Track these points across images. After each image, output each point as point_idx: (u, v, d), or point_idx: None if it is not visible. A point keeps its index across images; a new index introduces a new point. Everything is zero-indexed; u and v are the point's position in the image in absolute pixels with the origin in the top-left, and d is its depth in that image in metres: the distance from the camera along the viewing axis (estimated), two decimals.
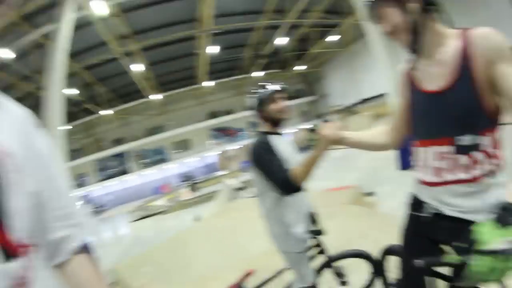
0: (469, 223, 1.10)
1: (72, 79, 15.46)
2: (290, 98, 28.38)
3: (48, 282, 0.66)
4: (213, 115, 27.60)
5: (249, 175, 2.36)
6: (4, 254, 0.54)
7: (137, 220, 14.36)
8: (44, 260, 0.68)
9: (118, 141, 26.06)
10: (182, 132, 25.64)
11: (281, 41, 18.47)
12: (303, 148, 19.98)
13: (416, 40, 1.14)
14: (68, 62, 9.27)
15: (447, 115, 1.14)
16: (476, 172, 1.13)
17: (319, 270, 2.20)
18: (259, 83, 2.02)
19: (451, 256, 1.14)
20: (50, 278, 0.69)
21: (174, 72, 21.71)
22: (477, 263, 0.96)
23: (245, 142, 24.44)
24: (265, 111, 1.97)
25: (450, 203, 1.20)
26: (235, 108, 26.71)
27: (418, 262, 1.12)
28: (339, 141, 1.51)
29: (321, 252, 2.20)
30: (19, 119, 0.69)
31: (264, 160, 1.78)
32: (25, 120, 0.70)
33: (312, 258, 2.12)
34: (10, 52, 10.11)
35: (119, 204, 24.63)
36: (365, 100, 21.02)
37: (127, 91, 22.26)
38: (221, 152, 27.56)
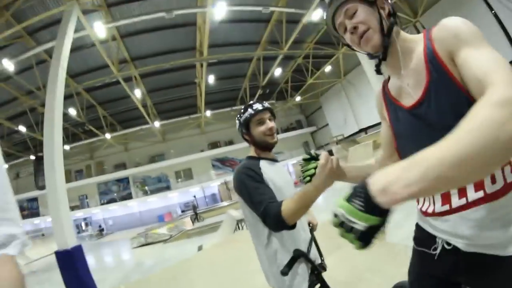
0: (496, 258, 0.87)
1: (73, 99, 15.86)
2: (289, 129, 29.07)
3: None
4: (214, 145, 27.72)
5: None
6: None
7: (138, 246, 14.06)
8: None
9: (120, 166, 26.22)
10: (184, 161, 25.78)
11: (277, 72, 18.94)
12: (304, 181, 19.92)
13: (388, 44, 1.03)
14: (70, 82, 9.48)
15: (433, 127, 0.94)
16: (496, 185, 0.87)
17: None
18: (245, 104, 1.83)
19: None
20: None
21: (174, 100, 22.04)
22: None
23: None
24: (250, 134, 1.78)
25: (466, 235, 0.93)
26: (235, 138, 26.87)
27: None
28: (339, 177, 1.26)
29: None
30: None
31: (247, 188, 1.51)
32: None
33: None
34: (11, 64, 10.55)
35: (121, 229, 24.46)
36: (364, 129, 21.17)
37: (129, 117, 22.53)
38: (222, 183, 27.41)
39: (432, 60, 0.93)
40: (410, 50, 1.02)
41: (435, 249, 1.05)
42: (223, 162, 27.76)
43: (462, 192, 0.92)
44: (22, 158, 22.99)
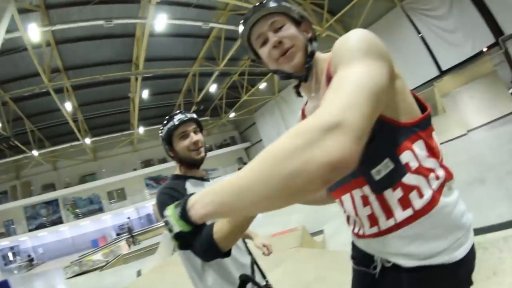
0: (437, 268, 0.85)
1: None
2: (223, 145, 29.08)
3: None
4: (147, 163, 26.82)
5: None
6: None
7: (73, 276, 13.04)
8: None
9: (49, 187, 23.94)
10: (116, 181, 24.61)
11: (213, 88, 19.04)
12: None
13: (310, 64, 0.98)
14: None
15: None
16: (418, 202, 0.84)
17: None
18: (168, 116, 1.63)
19: None
20: None
21: (106, 115, 21.05)
22: None
23: None
24: (173, 150, 1.59)
25: (404, 252, 0.89)
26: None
27: None
28: None
29: None
30: None
31: None
32: None
33: None
34: None
35: (52, 258, 22.31)
36: None
37: (59, 132, 20.73)
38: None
39: (329, 81, 0.83)
40: (321, 72, 0.99)
41: (375, 267, 1.00)
42: (157, 181, 26.87)
43: (389, 213, 0.88)
44: None
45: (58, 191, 23.61)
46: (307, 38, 1.01)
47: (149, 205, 26.50)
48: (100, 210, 25.19)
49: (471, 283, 0.90)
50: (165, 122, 1.58)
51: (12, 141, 17.45)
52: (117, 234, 23.80)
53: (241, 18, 1.02)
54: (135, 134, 23.15)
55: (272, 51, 0.97)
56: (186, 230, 0.75)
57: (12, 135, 16.78)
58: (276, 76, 1.10)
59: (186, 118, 1.55)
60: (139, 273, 8.50)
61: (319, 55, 1.02)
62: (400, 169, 0.84)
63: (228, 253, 1.09)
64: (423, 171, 0.85)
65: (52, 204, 23.88)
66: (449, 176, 0.89)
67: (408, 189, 0.85)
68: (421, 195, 0.84)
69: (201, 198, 0.70)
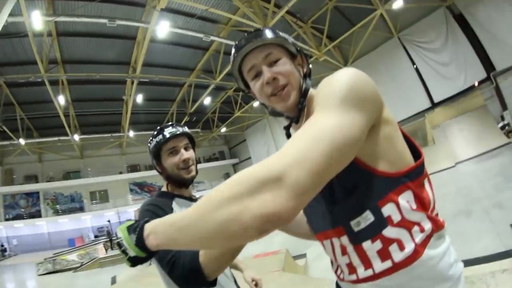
0: None
1: None
2: (212, 159, 28.97)
3: None
4: (134, 168, 26.66)
5: None
6: None
7: (45, 274, 12.63)
8: None
9: (31, 178, 23.39)
10: (100, 182, 24.32)
11: (207, 101, 19.32)
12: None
13: (303, 105, 0.92)
14: None
15: (322, 197, 0.87)
16: (399, 254, 0.78)
17: None
18: (159, 126, 1.50)
19: None
20: None
21: (98, 115, 21.01)
22: None
23: None
24: (161, 165, 1.48)
25: None
26: None
27: None
28: None
29: None
30: None
31: None
32: None
33: None
34: None
35: (26, 251, 21.54)
36: None
37: (48, 124, 20.51)
38: (139, 209, 25.92)
39: None
40: (312, 111, 0.84)
41: None
42: (141, 187, 26.64)
43: (367, 264, 0.83)
44: None
45: (40, 184, 23.15)
46: (302, 74, 0.96)
47: (131, 210, 26.01)
48: (81, 209, 24.67)
49: None
50: (155, 133, 1.47)
51: (0, 125, 17.25)
52: (95, 236, 23.24)
53: (242, 35, 0.97)
54: (125, 137, 23.13)
55: (265, 87, 0.91)
56: (141, 255, 0.76)
57: (1, 120, 16.70)
58: None
59: (177, 132, 1.43)
60: (113, 280, 8.29)
61: (312, 92, 0.95)
62: (381, 222, 0.79)
63: (213, 283, 0.99)
64: (406, 224, 0.78)
65: (33, 196, 23.27)
66: (436, 228, 0.81)
67: (388, 241, 0.79)
68: (402, 248, 0.78)
69: (155, 228, 0.72)
